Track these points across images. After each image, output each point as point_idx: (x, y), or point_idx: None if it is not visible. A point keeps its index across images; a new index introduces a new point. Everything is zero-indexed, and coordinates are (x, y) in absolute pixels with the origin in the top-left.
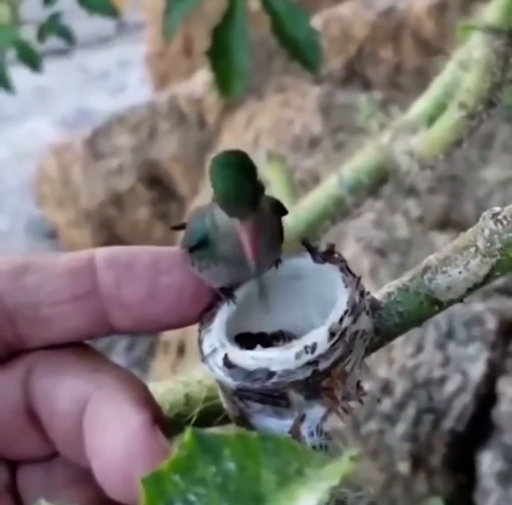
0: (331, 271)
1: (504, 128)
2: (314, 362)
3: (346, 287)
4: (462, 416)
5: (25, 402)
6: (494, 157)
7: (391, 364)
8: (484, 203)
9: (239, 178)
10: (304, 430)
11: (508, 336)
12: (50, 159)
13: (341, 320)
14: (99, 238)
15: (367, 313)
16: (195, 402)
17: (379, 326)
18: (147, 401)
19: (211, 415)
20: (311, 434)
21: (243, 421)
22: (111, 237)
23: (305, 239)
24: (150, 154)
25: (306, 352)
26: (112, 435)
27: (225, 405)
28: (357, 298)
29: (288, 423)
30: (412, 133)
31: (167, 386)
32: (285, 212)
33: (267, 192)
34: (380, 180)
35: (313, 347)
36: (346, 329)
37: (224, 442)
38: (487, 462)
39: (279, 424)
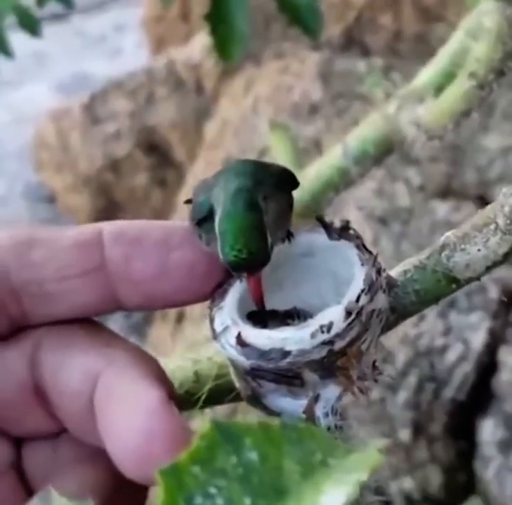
0: (346, 249)
1: (506, 96)
2: (330, 342)
3: (362, 264)
4: (463, 384)
5: (32, 379)
6: (495, 125)
7: (392, 333)
8: (485, 172)
9: (252, 243)
10: (319, 410)
11: (510, 305)
12: (48, 124)
13: (357, 298)
14: (97, 204)
15: (384, 291)
16: (205, 379)
17: (395, 304)
18: (161, 377)
19: (222, 393)
20: (326, 415)
21: (256, 400)
22: (109, 203)
23: (319, 215)
24: (147, 120)
25: (322, 331)
26: (128, 414)
27: (237, 384)
28: (374, 276)
29: (302, 403)
30: (418, 103)
31: (176, 363)
32: (296, 184)
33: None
34: (386, 150)
35: (329, 326)
36: (362, 308)
37: (245, 431)
38: (488, 430)
39: (293, 404)
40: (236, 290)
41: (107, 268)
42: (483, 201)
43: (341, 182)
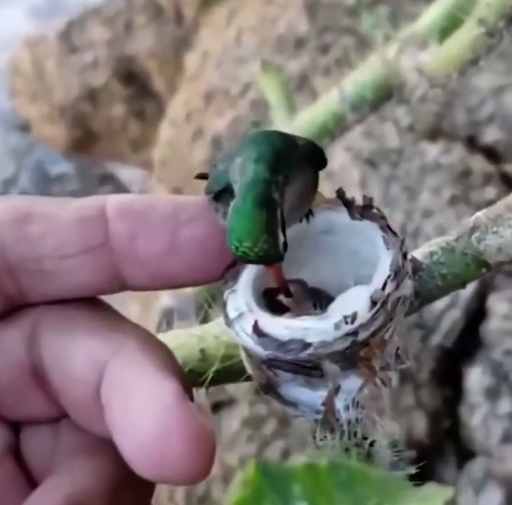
0: (369, 229)
1: None
2: (354, 333)
3: (388, 248)
4: (451, 331)
5: (30, 360)
6: (488, 63)
7: None
8: (475, 112)
9: (260, 244)
10: (339, 403)
11: None
12: (22, 51)
13: (383, 286)
14: (74, 134)
15: (410, 277)
16: (211, 359)
17: (419, 289)
18: (173, 366)
19: (230, 374)
20: (347, 407)
21: (271, 389)
22: (85, 133)
23: (341, 191)
24: (125, 49)
25: (346, 322)
26: (141, 409)
27: (250, 371)
28: (400, 261)
29: (321, 394)
30: (420, 47)
31: (179, 340)
32: (323, 161)
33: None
34: (384, 96)
35: (354, 317)
36: (388, 296)
37: (292, 476)
38: (475, 377)
39: (311, 395)
40: (251, 270)
41: (111, 245)
42: (474, 143)
43: (337, 128)
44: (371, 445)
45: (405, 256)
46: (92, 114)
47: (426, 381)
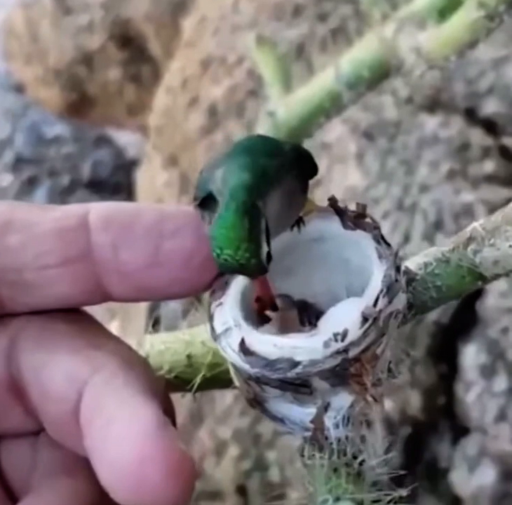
0: (362, 239)
1: None
2: (344, 351)
3: (380, 260)
4: (448, 308)
5: (9, 373)
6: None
7: None
8: (474, 84)
9: (242, 254)
10: (329, 420)
11: None
12: (17, 13)
13: (375, 302)
14: (68, 98)
15: (403, 291)
16: (198, 366)
17: (412, 300)
18: (153, 386)
19: (217, 381)
20: (336, 425)
21: (258, 404)
22: (80, 97)
23: (333, 200)
24: (121, 12)
25: (336, 340)
26: (119, 434)
27: (237, 383)
28: (394, 275)
29: (310, 411)
30: (418, 28)
31: (166, 343)
32: (313, 168)
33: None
34: (381, 75)
35: (344, 335)
36: (380, 312)
37: None
38: (470, 355)
39: (299, 412)
40: (239, 282)
41: (93, 256)
42: (473, 115)
43: (333, 107)
44: (361, 464)
45: (398, 269)
46: (88, 78)
47: (422, 357)
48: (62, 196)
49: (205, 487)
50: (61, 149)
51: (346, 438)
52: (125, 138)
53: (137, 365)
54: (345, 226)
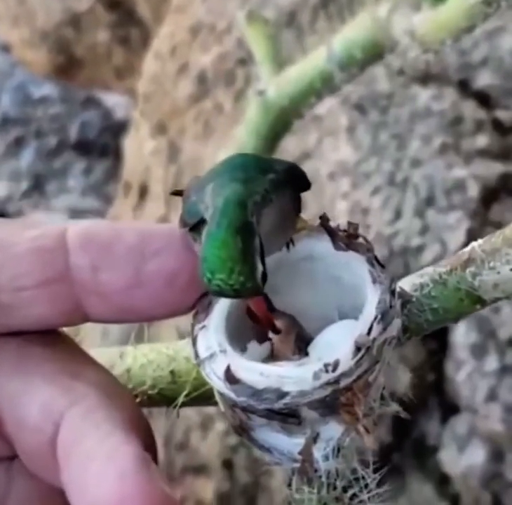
0: (354, 261)
1: None
2: (335, 382)
3: (374, 284)
4: None
5: None
6: None
7: (367, 230)
8: (468, 55)
9: (236, 275)
10: (318, 452)
11: (490, 203)
12: None
13: (369, 330)
14: (56, 60)
15: (398, 316)
16: (182, 383)
17: (407, 323)
18: (135, 418)
19: (202, 399)
20: (326, 457)
21: (244, 432)
22: (68, 59)
23: (325, 218)
24: None
25: (327, 371)
26: (97, 473)
27: (222, 409)
28: (388, 301)
29: (298, 441)
30: (414, 9)
31: (148, 357)
32: (305, 184)
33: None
34: (374, 56)
35: (335, 365)
36: (374, 340)
37: None
38: (461, 333)
39: (287, 442)
40: (224, 303)
41: (71, 277)
42: (466, 87)
43: (324, 87)
44: (351, 498)
45: (393, 293)
46: (75, 40)
47: None
48: (48, 157)
49: (191, 461)
50: (48, 109)
51: (336, 470)
52: (114, 99)
53: (117, 396)
54: (336, 247)
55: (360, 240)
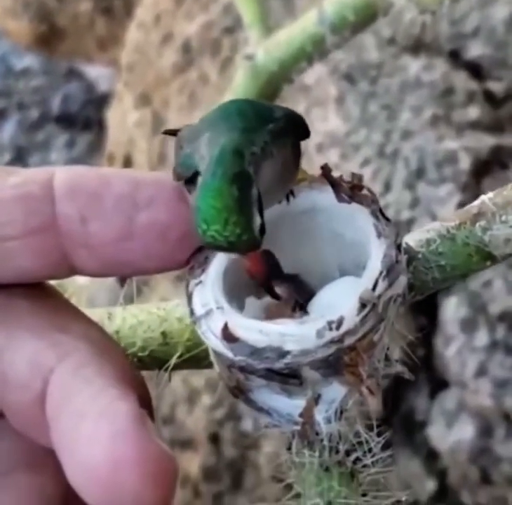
0: (358, 214)
1: None
2: (339, 340)
3: (379, 238)
4: None
5: None
6: None
7: None
8: (459, 24)
9: (232, 227)
10: (319, 414)
11: (481, 175)
12: None
13: (374, 286)
14: (38, 29)
15: (404, 272)
16: (174, 344)
17: (413, 281)
18: (128, 373)
19: (195, 360)
20: (328, 420)
21: (241, 393)
22: (50, 29)
23: (327, 169)
24: None
25: (330, 329)
26: (90, 432)
27: (217, 369)
28: (394, 256)
29: (299, 403)
30: None
31: (138, 317)
32: (305, 132)
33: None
34: (368, 18)
35: (340, 323)
36: (380, 296)
37: None
38: (451, 308)
39: (287, 404)
40: (221, 258)
41: (58, 227)
42: (457, 58)
43: (315, 51)
44: (354, 463)
45: (399, 248)
46: (57, 9)
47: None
48: (30, 130)
49: (177, 435)
50: (30, 81)
51: (339, 433)
52: (96, 71)
53: (109, 350)
54: (339, 198)
55: (365, 191)
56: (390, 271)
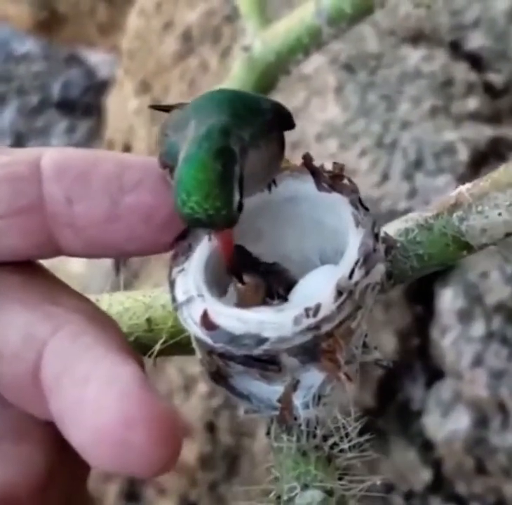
0: (338, 203)
1: None
2: (316, 327)
3: (357, 227)
4: None
5: None
6: None
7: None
8: (460, 15)
9: (212, 199)
10: (297, 399)
11: (479, 166)
12: None
13: (351, 274)
14: (39, 15)
15: (382, 260)
16: (159, 331)
17: (391, 269)
18: (125, 342)
19: (179, 348)
20: (306, 405)
21: (221, 379)
22: (51, 14)
23: (308, 158)
24: None
25: (307, 316)
26: (97, 395)
27: (198, 355)
28: (371, 245)
29: (277, 389)
30: None
31: (124, 304)
32: (290, 125)
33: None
34: (364, 11)
35: (316, 310)
36: (356, 284)
37: None
38: (448, 298)
39: (266, 390)
40: (204, 246)
41: (45, 208)
42: (457, 49)
43: (312, 43)
44: (331, 448)
45: (377, 237)
46: None
47: (397, 299)
48: (30, 115)
49: None
50: (30, 66)
51: (316, 418)
52: (97, 57)
53: (102, 321)
54: (320, 187)
55: (345, 181)
56: (367, 260)
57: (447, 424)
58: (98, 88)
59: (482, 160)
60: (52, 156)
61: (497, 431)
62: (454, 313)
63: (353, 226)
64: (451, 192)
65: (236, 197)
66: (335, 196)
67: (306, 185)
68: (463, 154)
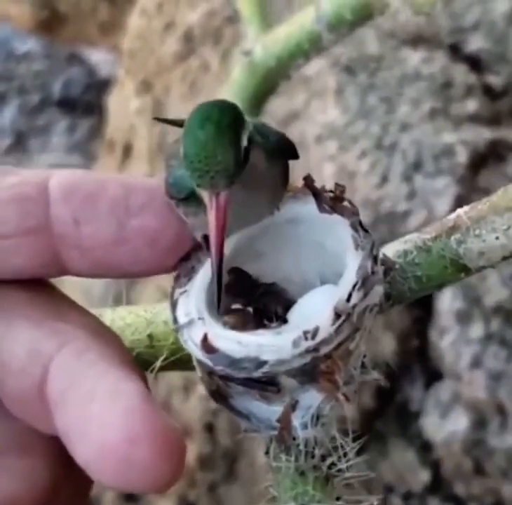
0: (339, 225)
1: None
2: (314, 350)
3: (356, 249)
4: None
5: None
6: None
7: (354, 194)
8: (460, 18)
9: (213, 142)
10: (296, 419)
11: (478, 169)
12: None
13: (349, 297)
14: (40, 15)
15: (381, 283)
16: (160, 347)
17: (390, 290)
18: (129, 359)
19: (180, 364)
20: (305, 425)
21: (221, 398)
22: (52, 14)
23: (309, 179)
24: None
25: (306, 338)
26: (102, 411)
27: (199, 374)
28: (370, 267)
29: (277, 409)
30: None
31: (126, 320)
32: (294, 155)
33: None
34: (364, 17)
35: (315, 333)
36: (354, 307)
37: None
38: (447, 299)
39: (265, 410)
40: (207, 270)
41: (52, 229)
42: (457, 51)
43: (312, 48)
44: (330, 467)
45: (375, 259)
46: None
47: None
48: (31, 114)
49: None
50: (31, 65)
51: (315, 438)
52: (98, 56)
53: (106, 336)
54: (321, 209)
55: (346, 203)
56: (365, 282)
57: (445, 425)
58: (99, 86)
59: (481, 162)
60: (60, 177)
61: (496, 433)
62: (452, 315)
63: (353, 249)
64: (450, 194)
65: (240, 156)
66: (336, 218)
67: (307, 207)
68: (462, 156)
